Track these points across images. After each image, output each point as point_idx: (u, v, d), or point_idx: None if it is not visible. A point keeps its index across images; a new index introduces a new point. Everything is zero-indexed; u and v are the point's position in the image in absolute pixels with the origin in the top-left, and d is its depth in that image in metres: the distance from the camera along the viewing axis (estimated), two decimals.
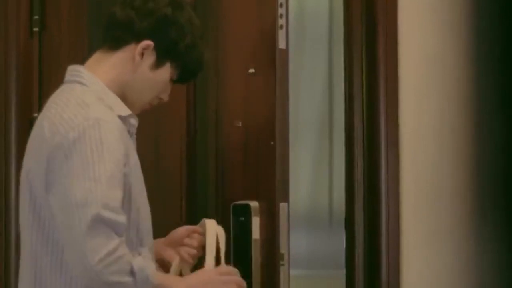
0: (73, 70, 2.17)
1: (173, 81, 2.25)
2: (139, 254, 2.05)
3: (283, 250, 2.55)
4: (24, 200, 2.09)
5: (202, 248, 2.39)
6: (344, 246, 3.25)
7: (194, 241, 2.42)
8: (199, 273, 2.24)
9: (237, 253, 2.53)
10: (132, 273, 1.95)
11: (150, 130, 2.91)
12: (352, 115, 3.20)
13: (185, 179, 3.02)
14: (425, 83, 3.21)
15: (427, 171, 3.19)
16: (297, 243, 2.89)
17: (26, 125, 2.84)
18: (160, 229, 2.38)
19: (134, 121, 2.16)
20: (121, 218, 1.96)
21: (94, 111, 2.02)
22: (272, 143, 2.53)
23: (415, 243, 3.15)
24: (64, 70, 2.19)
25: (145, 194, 2.17)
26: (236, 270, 2.29)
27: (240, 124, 2.69)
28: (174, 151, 3.00)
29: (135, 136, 2.19)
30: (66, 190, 1.95)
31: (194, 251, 2.41)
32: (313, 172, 3.63)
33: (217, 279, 2.20)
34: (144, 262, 2.00)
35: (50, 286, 2.03)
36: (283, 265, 2.57)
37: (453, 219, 3.25)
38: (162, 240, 2.42)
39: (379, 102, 3.13)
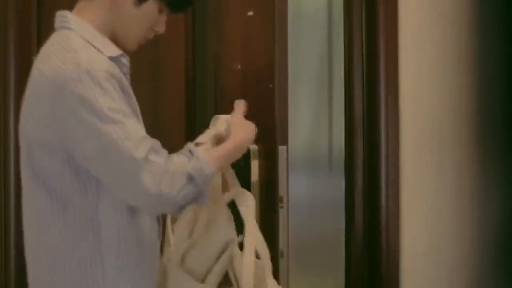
0: (60, 16, 2.16)
1: (168, 11, 2.23)
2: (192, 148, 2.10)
3: (282, 192, 2.56)
4: (22, 154, 2.11)
5: None
6: (344, 189, 3.26)
7: None
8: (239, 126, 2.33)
9: None
10: (191, 180, 2.01)
11: (149, 76, 2.90)
12: (352, 58, 3.18)
13: (184, 123, 3.01)
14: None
15: (427, 111, 3.18)
16: (296, 187, 2.90)
17: (25, 69, 2.83)
18: None
19: (125, 61, 2.15)
20: (153, 139, 2.02)
21: (82, 55, 2.01)
22: (271, 85, 2.53)
23: (414, 185, 3.15)
24: None
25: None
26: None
27: (239, 67, 2.69)
28: (173, 96, 3.00)
29: (129, 76, 2.18)
30: (95, 133, 1.96)
31: None
32: (312, 115, 3.62)
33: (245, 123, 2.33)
34: (197, 163, 2.05)
35: (53, 241, 2.07)
36: (282, 207, 2.58)
37: (455, 160, 3.25)
38: None
39: (378, 44, 3.12)
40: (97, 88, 1.96)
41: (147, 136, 2.02)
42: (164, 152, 2.03)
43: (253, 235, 2.32)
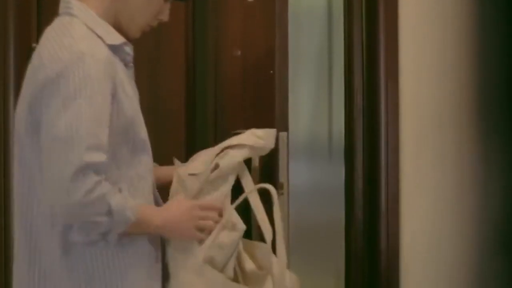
0: (64, 2, 2.14)
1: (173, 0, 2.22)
2: (120, 191, 2.04)
3: (282, 179, 2.56)
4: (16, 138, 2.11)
5: None
6: (344, 176, 3.26)
7: None
8: (179, 203, 2.21)
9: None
10: (109, 213, 1.96)
11: (149, 63, 2.90)
12: (352, 46, 3.18)
13: (184, 110, 3.01)
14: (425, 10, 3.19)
15: (427, 98, 3.18)
16: (296, 173, 2.90)
17: (25, 55, 2.83)
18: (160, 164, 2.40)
19: (129, 50, 2.14)
20: (102, 157, 1.95)
21: (79, 44, 2.00)
22: (271, 72, 2.52)
23: (414, 173, 3.15)
24: None
25: (143, 124, 2.17)
26: (217, 206, 2.28)
27: (239, 53, 2.68)
28: (173, 83, 2.99)
29: (132, 65, 2.17)
30: (49, 127, 1.95)
31: None
32: (312, 101, 3.62)
33: (196, 214, 2.20)
34: (123, 201, 2.00)
35: (37, 224, 2.07)
36: (282, 194, 2.58)
37: (456, 149, 3.24)
38: None
39: (378, 32, 3.11)
40: (82, 83, 1.95)
41: (101, 149, 1.96)
42: (103, 176, 1.96)
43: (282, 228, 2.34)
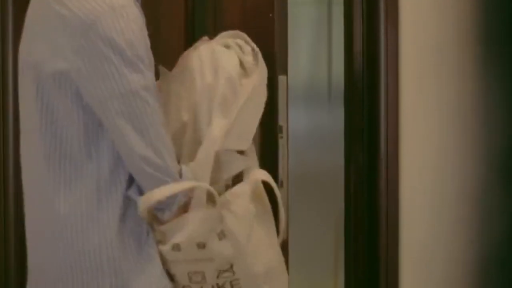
0: None
1: None
2: None
3: (281, 122, 2.57)
4: (28, 89, 2.07)
5: None
6: (343, 119, 3.26)
7: None
8: None
9: None
10: None
11: (147, 10, 2.88)
12: None
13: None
14: None
15: (427, 36, 3.17)
16: (295, 117, 2.90)
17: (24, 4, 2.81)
18: None
19: None
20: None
21: None
22: (271, 15, 2.51)
23: (414, 115, 3.15)
24: None
25: None
26: None
27: None
28: (172, 28, 2.98)
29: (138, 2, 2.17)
30: (117, 85, 1.95)
31: None
32: (312, 45, 3.61)
33: None
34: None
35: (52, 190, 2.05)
36: (281, 137, 2.59)
37: (456, 89, 3.24)
38: None
39: None
40: (129, 32, 1.95)
41: None
42: None
43: None
